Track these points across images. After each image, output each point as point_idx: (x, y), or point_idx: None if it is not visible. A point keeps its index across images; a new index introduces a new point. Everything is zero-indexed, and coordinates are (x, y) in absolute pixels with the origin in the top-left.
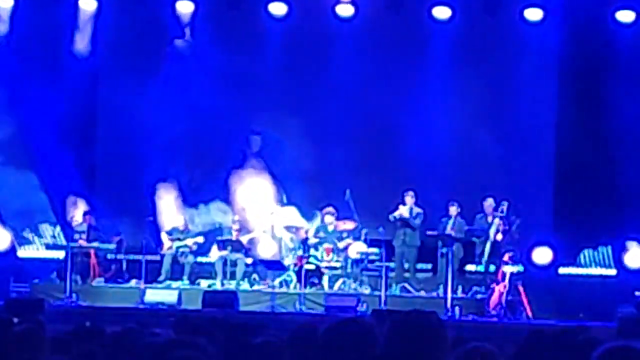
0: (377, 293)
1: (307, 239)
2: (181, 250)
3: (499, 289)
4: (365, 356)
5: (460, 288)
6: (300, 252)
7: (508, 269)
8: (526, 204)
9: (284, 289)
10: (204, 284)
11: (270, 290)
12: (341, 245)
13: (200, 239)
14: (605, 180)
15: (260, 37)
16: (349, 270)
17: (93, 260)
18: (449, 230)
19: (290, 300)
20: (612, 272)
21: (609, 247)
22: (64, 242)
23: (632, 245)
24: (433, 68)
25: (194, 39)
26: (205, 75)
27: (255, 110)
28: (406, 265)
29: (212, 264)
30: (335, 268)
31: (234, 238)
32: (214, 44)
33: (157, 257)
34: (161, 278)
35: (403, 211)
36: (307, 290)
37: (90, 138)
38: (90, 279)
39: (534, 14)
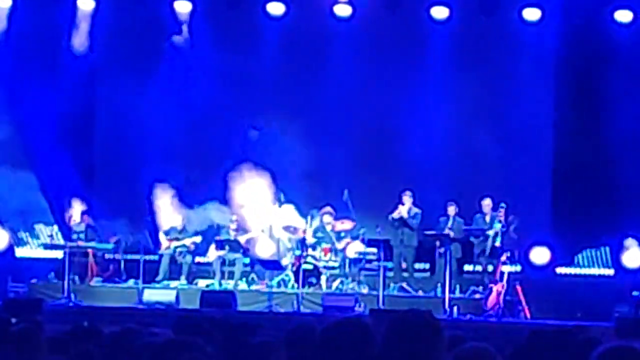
0: (375, 293)
1: (305, 238)
2: (179, 250)
3: (497, 288)
4: (363, 356)
5: (458, 288)
6: (298, 252)
7: (506, 269)
8: (524, 203)
9: (281, 289)
10: (202, 283)
11: (268, 290)
12: (340, 246)
13: (198, 239)
14: (603, 180)
15: (258, 37)
16: (347, 270)
17: (91, 260)
18: (447, 230)
19: (288, 300)
20: (610, 272)
21: (607, 247)
22: (62, 242)
23: (630, 243)
24: (431, 68)
25: (192, 38)
26: (203, 75)
27: (253, 109)
28: (404, 265)
29: (210, 264)
30: (333, 268)
31: (232, 238)
32: (211, 43)
33: (155, 257)
34: (159, 278)
35: (402, 211)
36: (305, 290)
37: (88, 138)
38: (88, 279)
39: (532, 14)
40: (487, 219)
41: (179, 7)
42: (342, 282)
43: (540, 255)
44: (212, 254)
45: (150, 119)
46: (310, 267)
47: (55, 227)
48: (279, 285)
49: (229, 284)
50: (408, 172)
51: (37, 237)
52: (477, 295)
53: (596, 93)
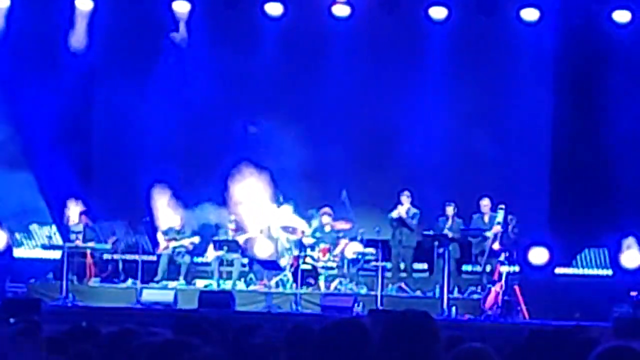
0: (373, 293)
1: (303, 239)
2: (177, 250)
3: (495, 289)
4: (360, 356)
5: (456, 288)
6: (296, 252)
7: (504, 269)
8: (522, 203)
9: (280, 289)
10: (200, 284)
11: (266, 290)
12: (338, 249)
13: (197, 239)
14: (601, 180)
15: (257, 37)
16: (345, 270)
17: (89, 260)
18: (445, 231)
19: (287, 301)
20: (608, 272)
21: (605, 247)
22: (61, 243)
23: (628, 243)
24: (429, 68)
25: (190, 38)
26: (202, 75)
27: (251, 109)
28: (402, 266)
29: (208, 264)
30: (331, 268)
31: (230, 238)
32: (210, 43)
33: (154, 257)
34: (158, 278)
35: (401, 211)
36: (304, 290)
37: (86, 138)
38: (86, 279)
39: (530, 14)
40: (486, 219)
41: (178, 7)
42: (340, 283)
43: (538, 255)
44: (211, 254)
45: (148, 119)
46: (308, 267)
47: (54, 228)
48: (277, 285)
49: (227, 285)
50: (406, 173)
51: (32, 238)
52: (476, 296)
53: (594, 93)
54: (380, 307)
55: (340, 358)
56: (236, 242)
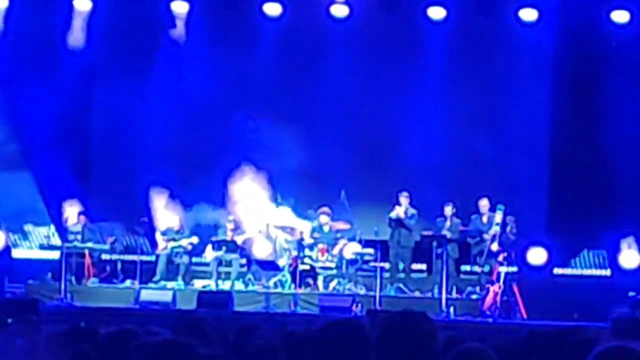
0: (371, 293)
1: (302, 239)
2: (176, 250)
3: (494, 289)
4: (358, 357)
5: (454, 288)
6: (294, 253)
7: (503, 270)
8: (521, 204)
9: (278, 290)
10: (198, 284)
11: (264, 290)
12: (336, 250)
13: (195, 240)
14: (600, 181)
15: (255, 37)
16: (343, 270)
17: (88, 260)
18: (444, 231)
19: (285, 301)
20: (607, 272)
21: (604, 248)
22: (59, 243)
23: (625, 243)
24: (428, 68)
25: (189, 38)
26: (200, 75)
27: (250, 110)
28: (401, 266)
29: (207, 264)
30: (330, 268)
31: (228, 238)
32: (208, 43)
33: (152, 258)
34: (156, 278)
35: (399, 211)
36: (302, 290)
37: (85, 138)
38: (84, 280)
39: (528, 15)
40: (484, 219)
41: (176, 7)
42: (339, 283)
43: (537, 255)
44: (209, 254)
45: (146, 119)
46: (307, 267)
47: (52, 228)
48: (275, 286)
49: (225, 285)
50: (405, 173)
51: (27, 238)
52: (474, 296)
53: (593, 93)
54: (379, 308)
55: (338, 358)
56: (235, 242)
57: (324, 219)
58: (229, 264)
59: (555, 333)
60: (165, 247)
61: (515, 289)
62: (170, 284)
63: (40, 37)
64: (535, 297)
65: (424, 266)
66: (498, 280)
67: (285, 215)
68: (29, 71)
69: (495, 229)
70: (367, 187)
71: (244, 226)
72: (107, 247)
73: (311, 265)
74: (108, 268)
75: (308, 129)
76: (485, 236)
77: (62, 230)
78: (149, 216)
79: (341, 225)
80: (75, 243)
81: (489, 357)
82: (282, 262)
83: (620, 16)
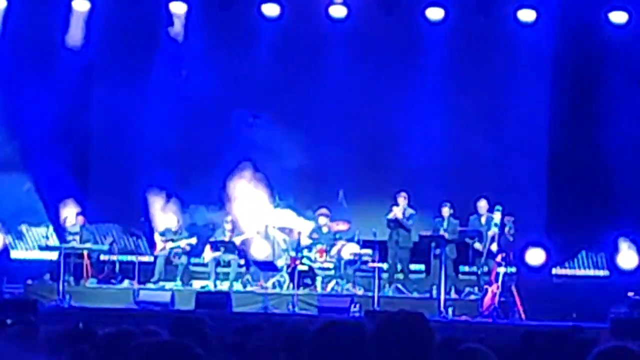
0: (370, 294)
1: (300, 240)
2: (174, 251)
3: (492, 290)
4: (355, 357)
5: (453, 289)
6: (293, 253)
7: (501, 270)
8: (519, 204)
9: (277, 290)
10: (197, 284)
11: (263, 291)
12: (334, 250)
13: (194, 240)
14: (598, 181)
15: (254, 38)
16: (342, 271)
17: (86, 261)
18: (441, 232)
19: (283, 301)
20: (605, 273)
21: (602, 248)
22: (57, 243)
23: (623, 243)
24: (426, 69)
25: (187, 39)
26: (199, 76)
27: (248, 110)
28: (399, 266)
29: (205, 265)
30: (328, 269)
31: (227, 239)
32: (207, 44)
33: (151, 259)
34: (154, 279)
35: (397, 212)
36: (300, 291)
37: (83, 138)
38: (83, 280)
39: (527, 15)
40: (483, 220)
41: (175, 8)
42: (337, 284)
43: (535, 256)
44: (208, 255)
45: (145, 120)
46: (305, 268)
47: (51, 229)
48: (274, 286)
49: (224, 285)
50: (404, 174)
51: (22, 239)
52: (473, 297)
53: (592, 94)
54: (377, 308)
55: (335, 359)
56: (233, 243)
57: (322, 220)
58: (227, 264)
59: (554, 333)
60: (164, 248)
61: (514, 290)
62: (168, 285)
63: (39, 38)
64: (534, 298)
65: (422, 267)
66: (496, 280)
67: (284, 215)
68: (28, 72)
69: (494, 229)
70: (366, 187)
71: (242, 227)
72: (105, 247)
73: (309, 266)
74: (106, 269)
75: (307, 130)
76: (477, 247)
77: (61, 231)
78: (147, 217)
79: (339, 226)
80: (74, 244)
81: (487, 358)
82: (280, 262)
83: (619, 17)
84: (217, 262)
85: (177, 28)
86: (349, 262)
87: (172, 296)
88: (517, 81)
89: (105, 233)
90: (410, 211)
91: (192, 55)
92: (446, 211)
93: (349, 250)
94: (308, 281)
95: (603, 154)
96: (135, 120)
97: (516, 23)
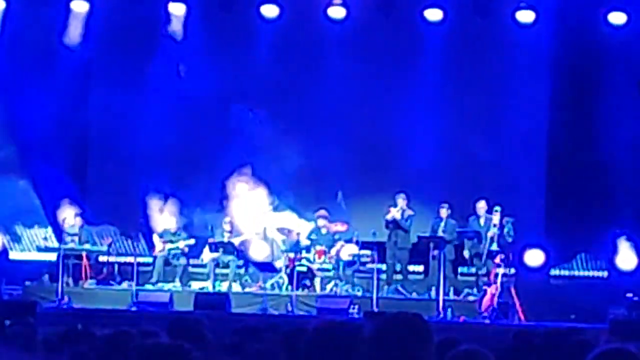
0: (369, 295)
1: (299, 241)
2: (173, 252)
3: (491, 290)
4: (350, 358)
5: (452, 290)
6: (292, 254)
7: (500, 271)
8: (518, 205)
9: (275, 291)
10: (195, 285)
11: (262, 292)
12: (333, 251)
13: (192, 241)
14: (597, 182)
15: (253, 39)
16: (341, 272)
17: (85, 262)
18: (440, 232)
19: (282, 303)
20: (604, 274)
21: (601, 249)
22: (56, 245)
23: (622, 244)
24: (425, 70)
25: (186, 40)
26: (198, 76)
27: (247, 111)
28: (398, 267)
29: (204, 266)
30: (327, 270)
31: (225, 240)
32: (206, 45)
33: (149, 260)
34: (153, 280)
35: (394, 213)
36: (299, 292)
37: (82, 140)
38: (82, 281)
39: (525, 16)
40: (482, 221)
41: (173, 8)
42: (336, 285)
43: (534, 257)
44: (206, 256)
45: (144, 122)
46: (304, 269)
47: (50, 230)
48: (273, 287)
49: (222, 287)
50: (403, 175)
51: (21, 241)
52: (471, 298)
53: (590, 95)
54: (376, 309)
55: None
56: (232, 244)
57: (321, 222)
58: (226, 265)
59: (552, 335)
60: (163, 249)
61: (513, 291)
62: (167, 286)
63: (37, 39)
64: (533, 299)
65: (421, 268)
66: (495, 281)
67: (283, 216)
68: (26, 73)
69: (493, 230)
70: (365, 188)
71: (241, 228)
72: (104, 248)
73: (308, 267)
74: (105, 270)
75: (306, 131)
76: (488, 234)
77: (59, 232)
78: (146, 218)
79: (338, 227)
80: (72, 245)
81: (486, 359)
82: (279, 263)
83: (617, 18)
84: (216, 263)
85: (176, 28)
86: (348, 263)
87: (171, 297)
88: (516, 82)
89: (104, 234)
90: (409, 212)
91: (190, 55)
92: (444, 212)
93: (348, 251)
94: (307, 282)
95: (602, 155)
96: (133, 121)
97: (515, 24)
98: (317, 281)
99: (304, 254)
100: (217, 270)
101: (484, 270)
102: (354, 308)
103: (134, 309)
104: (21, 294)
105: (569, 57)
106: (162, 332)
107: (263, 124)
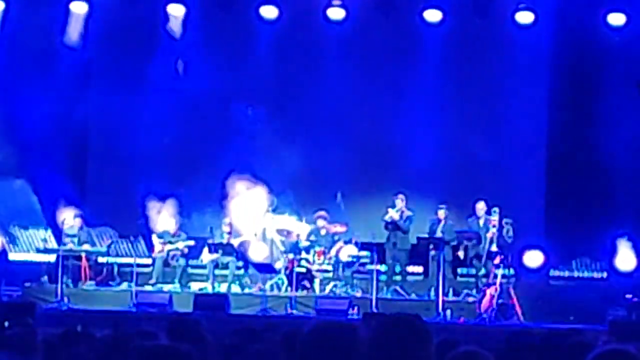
0: (368, 296)
1: (298, 242)
2: (172, 253)
3: (490, 291)
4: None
5: (451, 291)
6: (291, 255)
7: (499, 272)
8: (518, 206)
9: (275, 292)
10: (195, 287)
11: (261, 293)
12: (332, 252)
13: (192, 242)
14: (596, 183)
15: (252, 40)
16: (340, 273)
17: (84, 263)
18: (438, 233)
19: (282, 304)
20: (603, 275)
21: (600, 250)
22: (55, 246)
23: (622, 245)
24: (424, 71)
25: (185, 41)
26: (196, 78)
27: (246, 112)
28: (397, 269)
29: (203, 267)
30: (326, 271)
31: (225, 241)
32: (205, 46)
33: (149, 261)
34: (152, 281)
35: (392, 214)
36: (299, 293)
37: (81, 141)
38: (81, 282)
39: (525, 17)
40: (481, 222)
41: (172, 10)
42: (335, 286)
43: (533, 258)
44: (206, 257)
45: (143, 123)
46: (303, 270)
47: (49, 231)
48: (272, 288)
49: (222, 288)
50: (402, 176)
51: (20, 242)
52: (471, 299)
53: (590, 96)
54: (375, 310)
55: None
56: (231, 245)
57: (320, 223)
58: (225, 266)
59: (551, 336)
60: (162, 250)
61: (512, 292)
62: (166, 287)
63: (37, 40)
64: (532, 300)
65: (420, 269)
66: (494, 282)
67: (282, 218)
68: (25, 74)
69: (492, 231)
70: (364, 189)
71: (240, 229)
72: (103, 250)
73: (308, 268)
74: (105, 271)
75: (305, 132)
76: (487, 235)
77: (58, 233)
78: (146, 219)
79: (337, 228)
80: (71, 246)
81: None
82: (278, 264)
83: (617, 19)
84: (215, 264)
85: (175, 29)
86: (347, 264)
87: (170, 298)
88: (515, 83)
89: (104, 235)
90: (408, 213)
91: (190, 56)
92: (442, 213)
93: (347, 252)
94: (306, 283)
95: (601, 156)
96: (132, 121)
97: (514, 25)
98: (316, 282)
99: (303, 255)
100: (217, 271)
101: (483, 271)
102: (353, 309)
103: (133, 310)
104: (20, 295)
105: (569, 58)
106: (161, 333)
107: (262, 123)
